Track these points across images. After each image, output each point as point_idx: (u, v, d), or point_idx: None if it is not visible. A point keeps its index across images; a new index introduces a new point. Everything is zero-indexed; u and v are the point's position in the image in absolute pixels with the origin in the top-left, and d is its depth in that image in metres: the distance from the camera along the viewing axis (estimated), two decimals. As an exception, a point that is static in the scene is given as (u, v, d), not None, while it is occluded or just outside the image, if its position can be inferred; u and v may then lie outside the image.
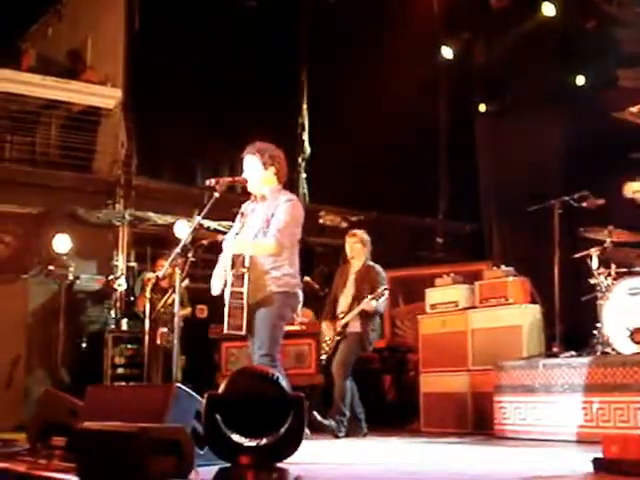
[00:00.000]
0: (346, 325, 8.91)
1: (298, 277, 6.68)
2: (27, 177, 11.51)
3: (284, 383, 3.68)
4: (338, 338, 8.94)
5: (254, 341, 6.46)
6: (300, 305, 6.75)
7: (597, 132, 10.96)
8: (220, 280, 6.55)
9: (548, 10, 11.50)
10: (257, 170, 6.63)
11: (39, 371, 10.96)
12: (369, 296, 8.75)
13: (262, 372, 3.67)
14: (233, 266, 6.37)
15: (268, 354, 6.35)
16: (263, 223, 6.51)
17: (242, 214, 6.66)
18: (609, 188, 9.37)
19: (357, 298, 8.90)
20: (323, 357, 9.18)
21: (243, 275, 6.33)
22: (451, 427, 9.20)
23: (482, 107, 13.48)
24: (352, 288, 9.02)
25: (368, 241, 9.28)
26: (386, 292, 8.81)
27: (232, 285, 6.33)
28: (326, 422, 8.53)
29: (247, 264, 6.35)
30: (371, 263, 9.22)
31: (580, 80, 11.80)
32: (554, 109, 12.21)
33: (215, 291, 6.61)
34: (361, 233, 9.38)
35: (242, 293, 6.30)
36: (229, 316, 6.35)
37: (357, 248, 9.20)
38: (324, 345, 9.18)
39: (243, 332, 6.39)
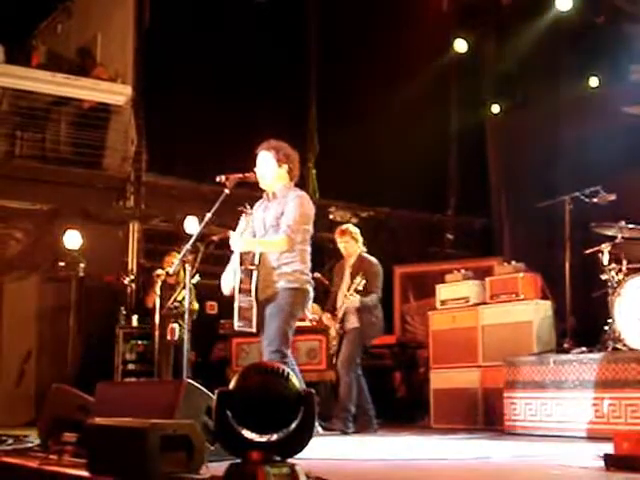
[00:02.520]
0: (343, 321, 8.89)
1: (309, 274, 6.69)
2: (37, 174, 11.53)
3: (295, 379, 3.67)
4: (341, 333, 8.93)
5: (264, 336, 6.47)
6: (310, 302, 6.77)
7: (608, 127, 10.95)
8: (230, 280, 6.56)
9: (563, 5, 11.39)
10: (271, 166, 6.67)
11: (50, 367, 10.98)
12: (347, 292, 8.72)
13: (273, 368, 3.67)
14: (242, 263, 6.39)
15: (278, 350, 6.38)
16: (274, 221, 6.55)
17: (246, 213, 6.66)
18: (620, 184, 9.36)
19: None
20: (332, 351, 9.17)
21: (252, 272, 6.36)
22: (461, 423, 9.19)
23: (495, 108, 13.43)
24: (348, 282, 8.97)
25: (357, 232, 9.20)
26: (362, 283, 8.68)
27: (241, 282, 6.35)
28: (330, 427, 8.48)
29: (256, 261, 6.37)
30: (365, 255, 9.14)
31: (594, 82, 11.74)
32: (565, 104, 12.19)
33: (225, 291, 6.62)
34: (349, 228, 9.29)
35: (251, 290, 6.33)
36: (239, 313, 6.37)
37: (351, 245, 9.12)
38: (331, 339, 9.17)
39: (253, 329, 6.42)
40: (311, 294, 6.72)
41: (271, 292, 6.46)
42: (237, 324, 6.41)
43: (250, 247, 6.44)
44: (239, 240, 6.45)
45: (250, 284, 6.34)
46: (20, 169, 11.64)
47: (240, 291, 6.36)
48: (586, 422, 7.40)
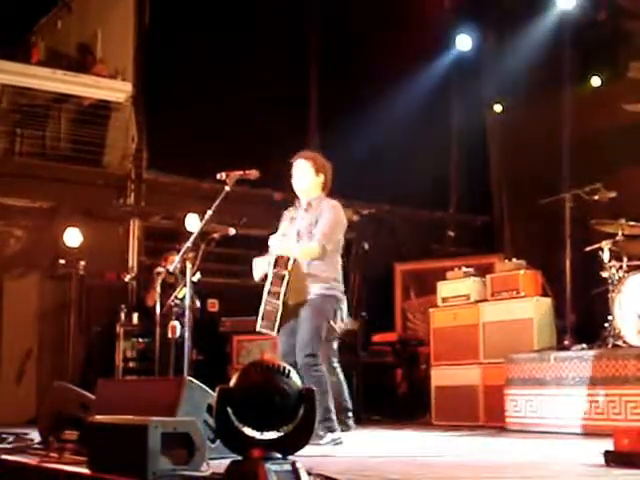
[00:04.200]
0: None
1: (341, 281, 6.73)
2: (38, 171, 11.52)
3: (296, 376, 3.67)
4: None
5: (299, 340, 6.48)
6: (345, 308, 6.77)
7: (609, 124, 10.94)
8: (262, 268, 6.58)
9: (566, 3, 11.34)
10: (309, 175, 6.77)
11: (50, 365, 10.98)
12: None
13: (274, 365, 3.67)
14: (275, 265, 6.39)
15: (312, 354, 6.47)
16: (307, 229, 6.61)
17: (291, 218, 6.74)
18: (621, 181, 9.36)
19: None
20: None
21: (284, 277, 6.34)
22: (462, 420, 9.20)
23: (497, 107, 13.39)
24: None
25: None
26: None
27: (271, 284, 6.37)
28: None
29: (289, 267, 6.36)
30: None
31: (596, 81, 11.70)
32: (566, 102, 12.17)
33: (256, 277, 6.66)
34: None
35: (279, 294, 6.33)
36: (264, 315, 6.39)
37: None
38: None
39: (274, 333, 6.43)
40: (344, 302, 6.77)
41: (304, 298, 6.48)
42: (260, 324, 6.42)
43: (287, 250, 6.45)
44: (278, 242, 6.49)
45: (280, 287, 6.34)
46: (20, 166, 11.63)
47: (269, 293, 6.37)
48: (586, 419, 7.40)
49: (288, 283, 6.33)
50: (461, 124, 14.21)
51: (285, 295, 6.32)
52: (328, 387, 6.54)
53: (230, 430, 3.68)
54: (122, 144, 12.21)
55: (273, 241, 6.61)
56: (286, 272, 6.35)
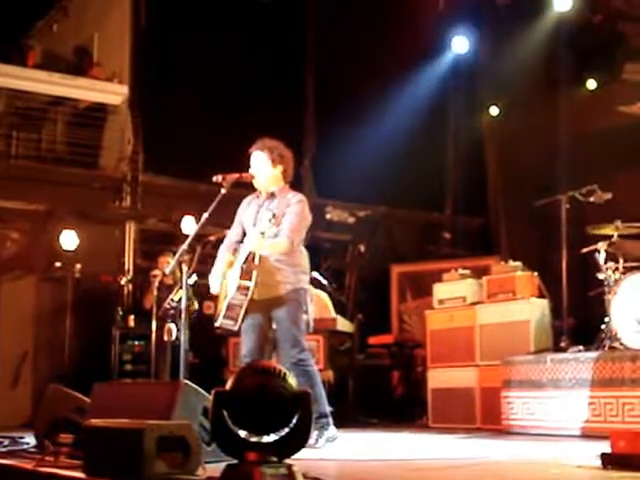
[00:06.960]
0: None
1: (308, 272, 6.76)
2: (33, 173, 11.52)
3: (291, 379, 3.67)
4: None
5: (284, 339, 6.48)
6: (309, 298, 6.83)
7: (604, 126, 10.96)
8: (219, 279, 6.59)
9: (562, 5, 11.35)
10: (265, 167, 6.67)
11: (46, 368, 10.96)
12: None
13: (269, 368, 3.66)
14: (244, 261, 6.38)
15: (304, 349, 6.53)
16: (272, 221, 6.54)
17: (257, 205, 6.70)
18: (616, 182, 9.37)
19: None
20: None
21: (252, 271, 6.34)
22: (459, 422, 9.18)
23: (493, 110, 13.38)
24: None
25: None
26: None
27: (240, 278, 6.34)
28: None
29: (257, 261, 6.36)
30: None
31: (591, 84, 11.70)
32: (562, 104, 12.18)
33: (214, 290, 6.66)
34: None
35: (249, 288, 6.32)
36: (227, 310, 6.38)
37: None
38: None
39: (235, 328, 6.43)
40: (310, 291, 6.80)
41: (276, 294, 6.49)
42: (222, 320, 6.40)
43: (260, 247, 6.41)
44: (254, 238, 6.43)
45: (249, 281, 6.34)
46: (16, 169, 11.63)
47: (237, 288, 6.35)
48: (583, 421, 7.41)
49: (257, 278, 6.34)
50: (458, 126, 14.20)
51: (253, 291, 6.34)
52: (319, 380, 6.57)
53: (226, 433, 3.68)
54: (118, 146, 12.22)
55: (251, 238, 6.57)
56: (254, 267, 6.34)
